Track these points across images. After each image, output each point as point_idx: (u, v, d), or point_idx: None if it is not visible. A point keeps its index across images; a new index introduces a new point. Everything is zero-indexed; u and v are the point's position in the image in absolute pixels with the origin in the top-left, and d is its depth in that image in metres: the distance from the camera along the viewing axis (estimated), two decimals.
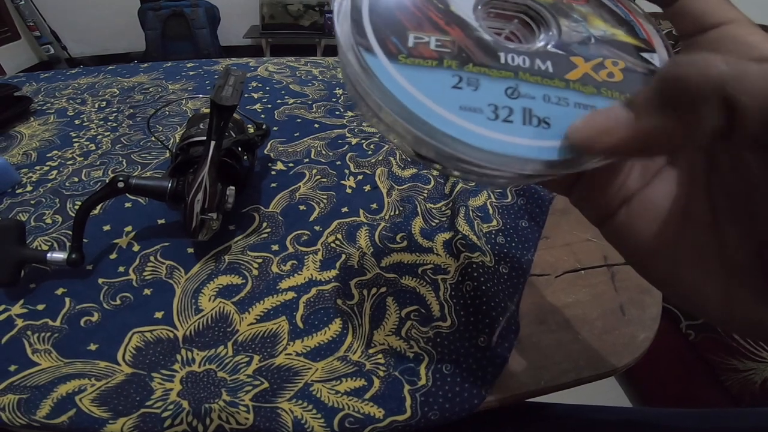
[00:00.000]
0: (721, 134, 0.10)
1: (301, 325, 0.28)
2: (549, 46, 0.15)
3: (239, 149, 0.35)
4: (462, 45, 0.14)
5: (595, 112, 0.13)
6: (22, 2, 2.08)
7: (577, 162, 0.13)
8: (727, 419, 0.30)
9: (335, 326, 0.28)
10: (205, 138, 0.33)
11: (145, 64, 0.67)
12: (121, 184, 0.30)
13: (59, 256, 0.29)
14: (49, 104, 0.55)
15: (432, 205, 0.38)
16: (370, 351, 0.27)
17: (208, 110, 0.37)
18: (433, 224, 0.37)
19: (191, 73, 0.63)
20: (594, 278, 0.34)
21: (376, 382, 0.26)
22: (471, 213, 0.36)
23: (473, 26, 0.15)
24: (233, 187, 0.31)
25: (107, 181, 0.30)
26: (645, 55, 0.15)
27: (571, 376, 0.27)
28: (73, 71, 0.66)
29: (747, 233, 0.13)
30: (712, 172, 0.14)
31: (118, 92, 0.58)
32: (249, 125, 0.43)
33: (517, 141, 0.13)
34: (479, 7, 0.16)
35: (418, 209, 0.38)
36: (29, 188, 0.39)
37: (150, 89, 0.58)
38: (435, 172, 0.39)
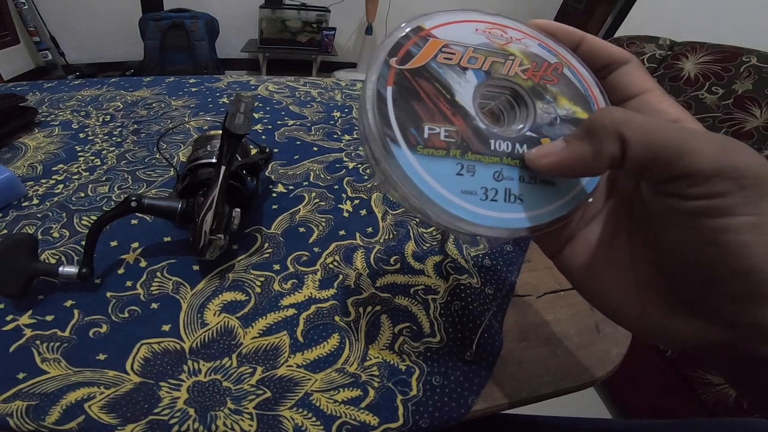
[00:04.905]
0: (618, 161, 0.15)
1: (301, 339, 0.30)
2: (525, 130, 0.18)
3: (244, 172, 0.37)
4: (463, 135, 0.17)
5: (546, 143, 0.17)
6: (26, 6, 2.04)
7: (538, 229, 0.17)
8: (699, 428, 0.31)
9: (333, 341, 0.30)
10: (212, 160, 0.35)
11: (148, 78, 0.67)
12: (134, 204, 0.31)
13: (71, 270, 0.30)
14: (53, 116, 0.54)
15: (424, 230, 0.41)
16: (366, 364, 0.29)
17: (213, 132, 0.39)
18: (425, 248, 0.39)
19: (193, 89, 0.64)
20: (572, 299, 0.36)
21: (371, 393, 0.27)
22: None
23: (472, 115, 0.18)
24: (239, 209, 0.33)
25: (122, 200, 0.31)
26: None
27: (550, 388, 0.29)
28: (77, 82, 0.65)
29: (654, 262, 0.17)
30: (630, 217, 0.19)
31: (122, 106, 0.57)
32: (252, 146, 0.45)
33: (499, 215, 0.16)
34: (479, 87, 0.18)
35: (411, 234, 0.40)
36: (35, 201, 0.39)
37: (153, 105, 0.58)
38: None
